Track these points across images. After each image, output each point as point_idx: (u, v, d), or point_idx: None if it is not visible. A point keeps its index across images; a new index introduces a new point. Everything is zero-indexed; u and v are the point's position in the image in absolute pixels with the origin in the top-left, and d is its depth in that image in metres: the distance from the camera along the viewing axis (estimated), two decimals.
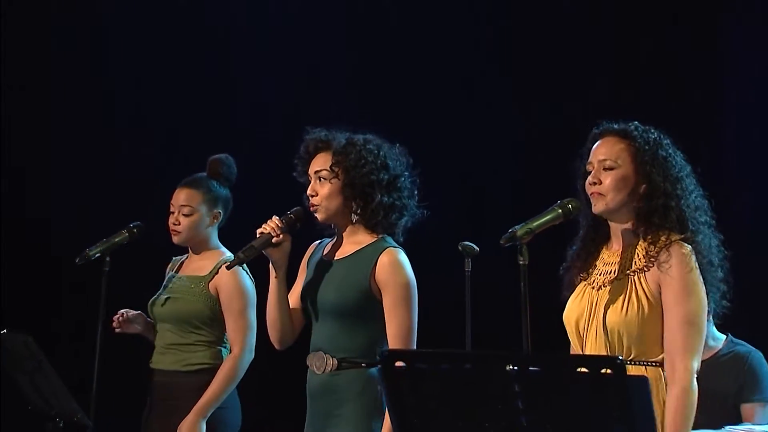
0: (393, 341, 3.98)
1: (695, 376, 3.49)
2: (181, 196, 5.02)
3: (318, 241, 4.27)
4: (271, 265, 4.08)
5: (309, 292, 4.12)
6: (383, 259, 4.02)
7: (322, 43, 7.16)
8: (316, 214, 4.09)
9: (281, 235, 4.02)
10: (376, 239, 4.08)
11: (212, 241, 5.08)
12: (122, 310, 4.96)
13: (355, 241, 4.11)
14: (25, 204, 6.83)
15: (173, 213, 5.02)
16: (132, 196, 6.54)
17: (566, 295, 3.78)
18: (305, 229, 4.18)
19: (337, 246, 4.15)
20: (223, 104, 7.08)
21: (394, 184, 4.08)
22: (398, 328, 3.99)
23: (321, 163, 4.10)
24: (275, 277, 4.09)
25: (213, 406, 4.85)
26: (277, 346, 4.20)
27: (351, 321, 4.01)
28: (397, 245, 4.09)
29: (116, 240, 5.00)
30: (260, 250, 4.03)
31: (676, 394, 3.47)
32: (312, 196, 4.08)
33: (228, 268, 4.20)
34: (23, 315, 6.21)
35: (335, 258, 4.12)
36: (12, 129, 6.82)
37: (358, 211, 4.07)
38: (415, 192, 4.16)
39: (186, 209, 4.99)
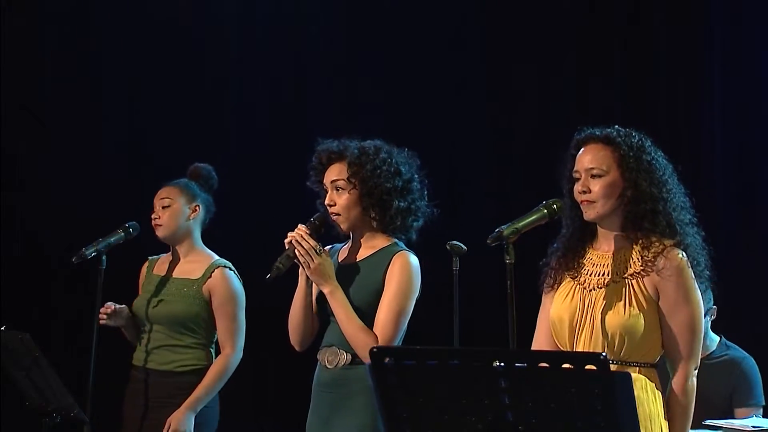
0: (376, 328, 4.07)
1: (694, 376, 3.63)
2: (161, 193, 5.12)
3: (329, 246, 4.35)
4: (300, 269, 4.16)
5: (324, 294, 4.19)
6: (395, 261, 4.13)
7: (308, 43, 7.21)
8: (339, 225, 4.20)
9: (309, 241, 4.10)
10: (389, 243, 4.20)
11: (196, 240, 5.14)
12: (110, 303, 5.00)
13: (370, 245, 4.22)
14: (21, 202, 6.84)
15: (154, 211, 5.10)
16: (128, 196, 6.58)
17: (545, 290, 3.83)
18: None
19: (352, 250, 4.26)
20: (213, 105, 7.11)
21: (407, 188, 4.21)
22: (384, 316, 4.07)
23: (336, 173, 4.20)
24: (303, 281, 4.20)
25: (203, 402, 4.94)
26: (297, 348, 4.30)
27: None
28: (408, 249, 4.21)
29: (112, 239, 5.05)
30: (294, 258, 4.12)
31: (677, 396, 3.62)
32: (331, 205, 4.18)
33: (269, 280, 4.21)
34: (20, 313, 6.25)
35: (352, 261, 4.22)
36: (5, 130, 6.83)
37: (377, 218, 4.19)
38: (425, 192, 4.29)
39: (165, 201, 5.07)
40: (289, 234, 4.14)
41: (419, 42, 7.14)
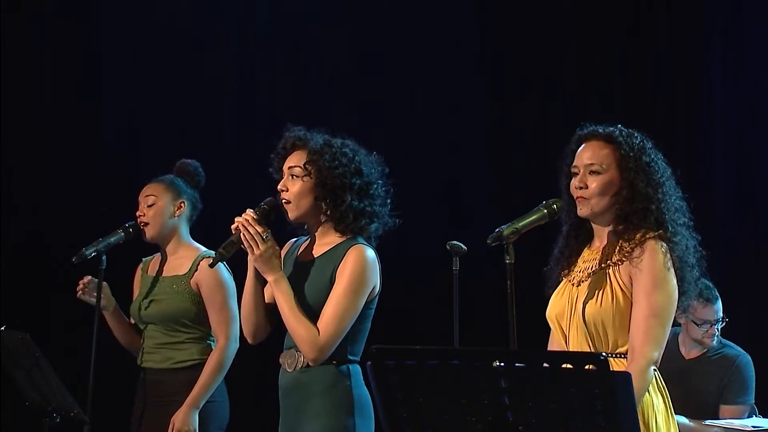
0: (320, 321, 3.92)
1: (653, 366, 3.54)
2: (145, 191, 5.10)
3: (293, 239, 4.24)
4: (249, 259, 4.04)
5: None
6: (349, 254, 3.99)
7: (308, 43, 7.22)
8: (288, 213, 4.07)
9: (256, 226, 3.98)
10: (346, 239, 4.06)
11: (182, 237, 5.10)
12: (88, 277, 4.99)
13: (326, 241, 4.08)
14: (21, 202, 6.85)
15: (139, 209, 5.09)
16: (128, 196, 6.59)
17: (550, 293, 3.83)
18: (280, 224, 4.16)
19: (310, 246, 4.13)
20: (213, 105, 7.11)
21: (366, 190, 4.06)
22: (331, 310, 3.93)
23: (295, 160, 4.08)
24: (251, 271, 4.06)
25: (204, 397, 4.91)
26: (249, 340, 4.17)
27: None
28: (367, 244, 4.06)
29: (112, 239, 5.03)
30: (240, 244, 4.00)
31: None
32: (283, 191, 4.06)
33: (211, 266, 4.16)
34: (20, 313, 6.24)
35: (308, 258, 4.10)
36: (4, 132, 6.84)
37: (328, 212, 4.05)
38: (388, 201, 4.14)
39: (149, 199, 5.05)
40: (236, 219, 4.01)
41: (419, 42, 7.15)
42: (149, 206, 5.05)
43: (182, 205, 5.09)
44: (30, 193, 6.86)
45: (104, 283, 5.04)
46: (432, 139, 7.04)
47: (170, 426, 4.88)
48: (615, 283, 3.62)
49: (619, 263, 3.63)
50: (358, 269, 3.97)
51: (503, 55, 7.17)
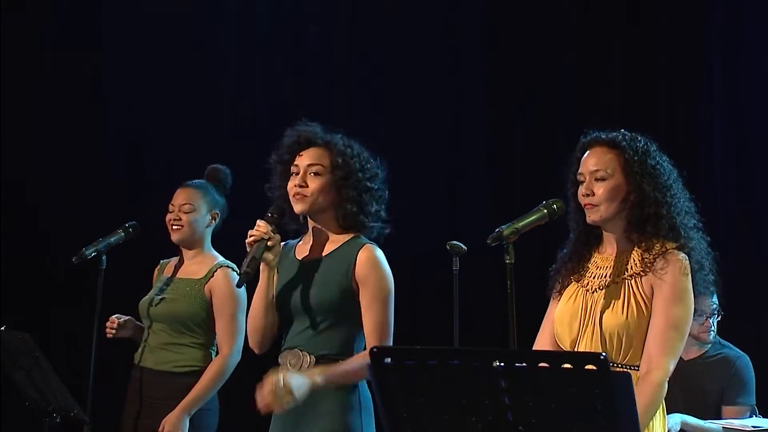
0: (369, 337, 3.95)
1: (668, 377, 3.56)
2: (182, 195, 5.11)
3: (283, 243, 4.12)
4: (262, 266, 4.00)
5: (285, 294, 4.04)
6: (362, 255, 3.97)
7: (308, 43, 7.22)
8: (299, 203, 4.02)
9: (273, 236, 3.97)
10: (351, 237, 4.05)
11: (206, 244, 5.14)
12: (114, 316, 5.00)
13: (333, 239, 4.07)
14: (22, 202, 6.85)
15: (172, 212, 5.09)
16: (126, 196, 6.60)
17: (551, 294, 3.82)
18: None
19: (310, 245, 4.11)
20: (213, 104, 7.12)
21: (380, 195, 4.09)
22: (374, 323, 3.95)
23: (315, 158, 4.04)
24: (266, 279, 4.02)
25: (198, 404, 4.92)
26: (257, 350, 4.12)
27: (330, 319, 3.96)
28: (372, 242, 4.05)
29: (112, 239, 5.06)
30: (261, 258, 3.96)
31: (647, 386, 3.50)
32: (301, 186, 4.01)
33: (238, 286, 4.06)
34: (20, 313, 6.25)
35: (315, 257, 4.07)
36: (4, 131, 6.84)
37: (342, 212, 4.04)
38: (384, 206, 4.14)
39: (187, 206, 5.06)
40: (250, 233, 3.96)
41: (419, 42, 7.15)
42: (186, 212, 5.07)
43: (216, 216, 5.13)
44: (30, 193, 6.86)
45: (130, 317, 5.04)
46: (432, 139, 7.03)
47: (160, 429, 4.87)
48: (639, 296, 3.61)
49: (642, 275, 3.63)
50: (379, 274, 3.99)
51: (504, 56, 7.17)
